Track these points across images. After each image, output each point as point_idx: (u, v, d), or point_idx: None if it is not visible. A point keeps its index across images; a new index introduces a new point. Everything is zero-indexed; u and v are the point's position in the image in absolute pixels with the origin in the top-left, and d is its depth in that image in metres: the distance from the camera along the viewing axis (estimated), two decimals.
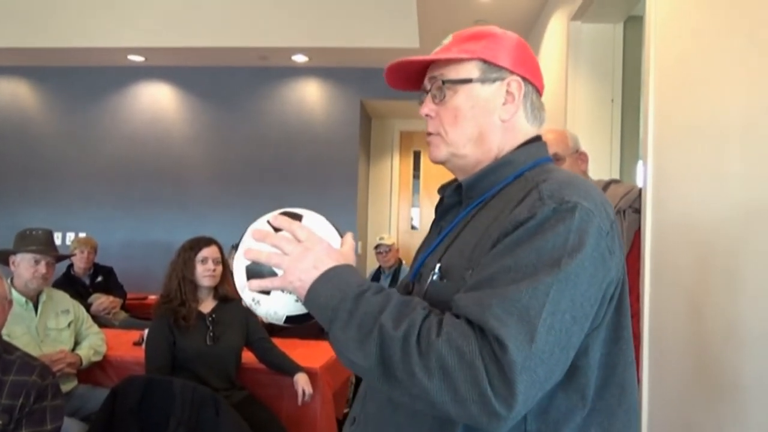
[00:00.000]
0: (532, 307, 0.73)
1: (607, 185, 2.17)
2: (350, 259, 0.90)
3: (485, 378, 0.71)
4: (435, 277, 0.89)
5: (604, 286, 0.81)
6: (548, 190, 0.83)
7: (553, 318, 0.74)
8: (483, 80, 0.94)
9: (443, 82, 0.95)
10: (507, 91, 0.95)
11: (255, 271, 0.89)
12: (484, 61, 0.94)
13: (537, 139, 0.98)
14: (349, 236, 0.95)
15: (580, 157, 2.15)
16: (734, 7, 1.46)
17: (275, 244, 0.87)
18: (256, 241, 0.89)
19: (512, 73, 0.95)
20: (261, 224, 0.93)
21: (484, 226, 0.87)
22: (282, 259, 0.87)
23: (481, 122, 0.94)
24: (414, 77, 1.02)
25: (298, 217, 0.92)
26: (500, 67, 0.94)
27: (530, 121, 0.98)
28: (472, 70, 0.94)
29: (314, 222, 0.93)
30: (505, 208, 0.86)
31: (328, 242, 0.90)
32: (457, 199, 0.97)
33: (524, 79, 0.96)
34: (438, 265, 0.89)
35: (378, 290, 0.83)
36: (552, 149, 2.09)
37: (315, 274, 0.85)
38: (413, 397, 0.75)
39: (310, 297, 0.84)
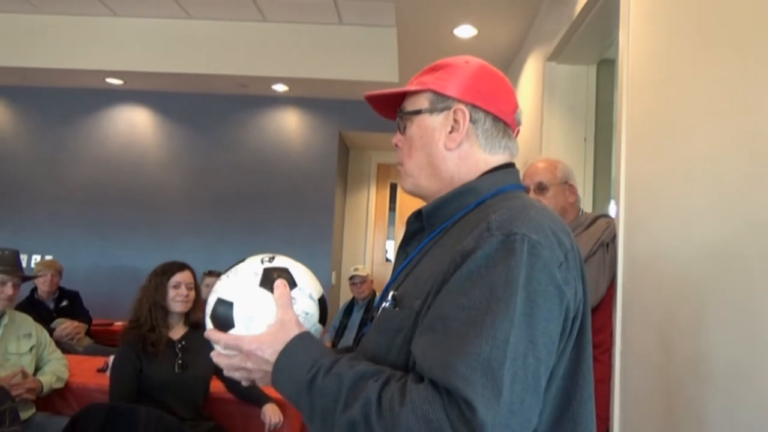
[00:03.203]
0: (494, 358, 0.71)
1: (595, 219, 2.16)
2: (289, 321, 0.91)
3: None
4: (388, 305, 0.89)
5: (562, 320, 0.80)
6: (497, 221, 0.80)
7: (515, 365, 0.72)
8: (431, 110, 0.97)
9: (401, 115, 1.00)
10: (454, 120, 0.95)
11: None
12: (434, 92, 0.97)
13: (507, 166, 0.97)
14: (279, 292, 0.94)
15: (569, 188, 2.16)
16: (702, 52, 1.52)
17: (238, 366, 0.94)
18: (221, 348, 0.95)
19: (459, 101, 0.95)
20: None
21: (441, 255, 0.85)
22: (246, 373, 0.93)
23: (428, 152, 0.97)
24: (394, 107, 1.05)
25: (228, 324, 0.94)
26: (447, 97, 0.96)
27: (487, 149, 0.96)
28: (422, 101, 0.98)
29: (248, 308, 0.94)
30: (459, 237, 0.84)
31: (269, 323, 0.92)
32: (418, 226, 0.97)
33: (474, 106, 0.95)
34: (392, 293, 0.89)
35: (329, 368, 0.82)
36: (538, 177, 2.14)
37: (270, 372, 0.88)
38: None
39: (278, 389, 0.88)
